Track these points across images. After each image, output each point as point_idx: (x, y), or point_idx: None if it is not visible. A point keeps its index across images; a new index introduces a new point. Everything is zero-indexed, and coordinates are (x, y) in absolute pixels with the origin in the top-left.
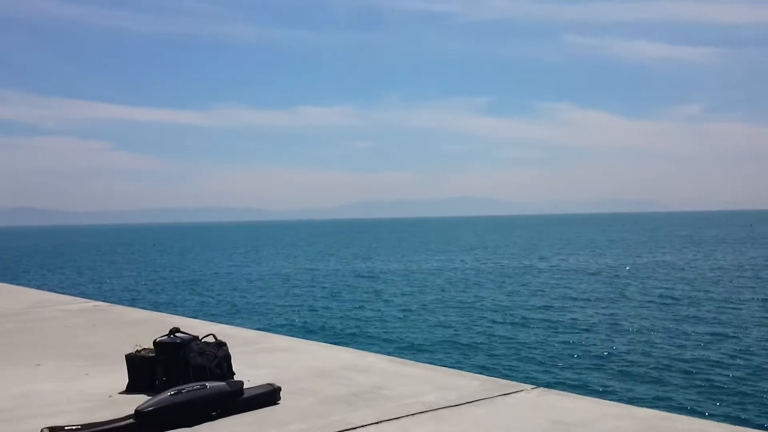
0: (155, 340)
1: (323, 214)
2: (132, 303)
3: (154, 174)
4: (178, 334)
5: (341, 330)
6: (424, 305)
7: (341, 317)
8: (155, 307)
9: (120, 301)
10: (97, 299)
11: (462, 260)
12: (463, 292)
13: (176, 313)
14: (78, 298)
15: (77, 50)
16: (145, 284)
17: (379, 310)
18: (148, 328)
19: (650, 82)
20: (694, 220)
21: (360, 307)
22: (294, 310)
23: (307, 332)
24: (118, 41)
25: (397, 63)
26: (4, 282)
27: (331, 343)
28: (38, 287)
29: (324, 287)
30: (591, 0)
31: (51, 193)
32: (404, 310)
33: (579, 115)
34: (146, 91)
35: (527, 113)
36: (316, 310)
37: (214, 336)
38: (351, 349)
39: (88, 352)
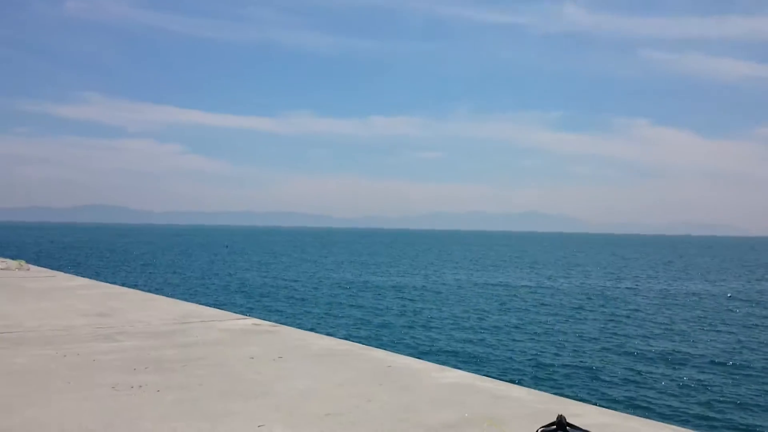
0: None
1: (390, 223)
2: (264, 315)
3: (226, 178)
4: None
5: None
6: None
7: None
8: (293, 323)
9: (246, 311)
10: (222, 308)
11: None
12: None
13: (333, 332)
14: (227, 313)
15: (160, 56)
16: (254, 291)
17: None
18: (357, 367)
19: (731, 101)
20: None
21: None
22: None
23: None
24: (197, 48)
25: (467, 74)
26: (109, 281)
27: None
28: (149, 290)
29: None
30: (671, 14)
31: (129, 193)
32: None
33: (656, 132)
34: (221, 97)
35: (601, 129)
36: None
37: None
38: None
39: (318, 409)
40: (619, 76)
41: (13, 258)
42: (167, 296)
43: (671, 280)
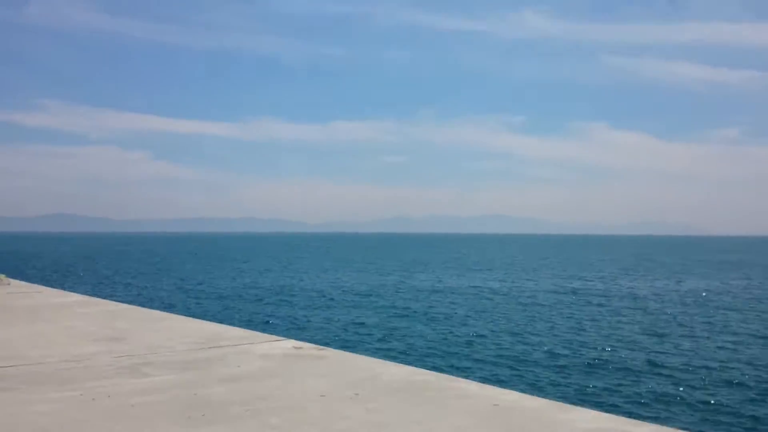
0: None
1: (358, 227)
2: (286, 332)
3: (192, 184)
4: None
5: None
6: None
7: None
8: (322, 340)
9: (265, 328)
10: (228, 323)
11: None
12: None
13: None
14: (256, 333)
15: (121, 62)
16: (257, 301)
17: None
18: (457, 407)
19: (689, 105)
20: (732, 244)
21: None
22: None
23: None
24: (161, 54)
25: (433, 80)
26: (99, 295)
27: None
28: (142, 304)
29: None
30: (629, 21)
31: (93, 201)
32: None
33: (615, 135)
34: (186, 103)
35: (562, 133)
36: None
37: None
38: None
39: None
40: (579, 80)
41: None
42: (165, 311)
43: (671, 280)
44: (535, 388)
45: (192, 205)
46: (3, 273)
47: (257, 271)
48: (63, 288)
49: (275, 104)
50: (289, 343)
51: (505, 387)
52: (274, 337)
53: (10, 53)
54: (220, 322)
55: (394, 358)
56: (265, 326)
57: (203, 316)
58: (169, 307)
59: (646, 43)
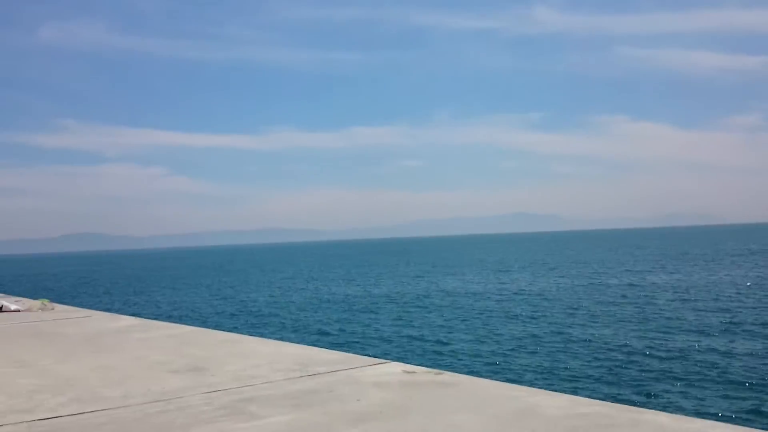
0: None
1: (382, 233)
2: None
3: (211, 198)
4: None
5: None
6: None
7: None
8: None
9: (350, 348)
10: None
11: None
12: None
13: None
14: (350, 355)
15: (137, 80)
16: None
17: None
18: None
19: (707, 93)
20: (753, 232)
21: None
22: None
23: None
24: (174, 70)
25: (446, 81)
26: (141, 315)
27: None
28: (177, 320)
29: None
30: (644, 11)
31: (112, 219)
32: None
33: (634, 128)
34: (201, 117)
35: (581, 128)
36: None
37: None
38: None
39: None
40: (596, 74)
41: (30, 297)
42: (229, 331)
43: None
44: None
45: (212, 218)
46: (45, 298)
47: (299, 281)
48: (109, 310)
49: (291, 114)
50: (396, 367)
51: (710, 417)
52: (375, 360)
53: (27, 76)
54: (292, 340)
55: (519, 381)
56: (347, 346)
57: (270, 334)
58: (230, 328)
59: (660, 33)
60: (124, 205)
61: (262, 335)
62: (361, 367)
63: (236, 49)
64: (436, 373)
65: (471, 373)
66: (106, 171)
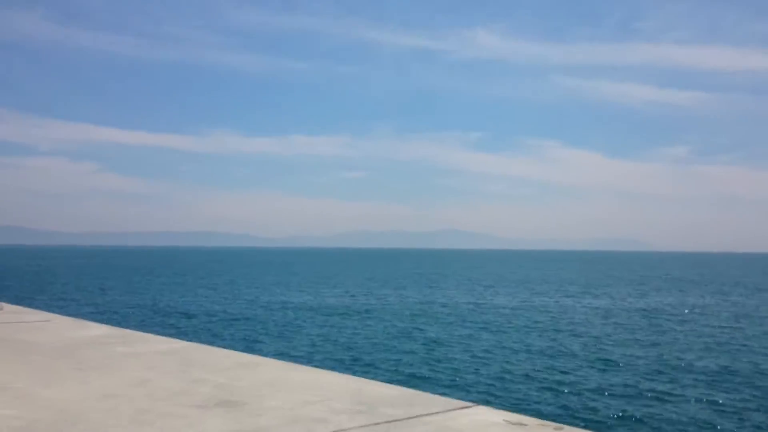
0: None
1: (316, 241)
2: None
3: (144, 197)
4: None
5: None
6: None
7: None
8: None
9: (336, 366)
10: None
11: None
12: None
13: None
14: (425, 394)
15: (73, 73)
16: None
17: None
18: None
19: (638, 124)
20: (680, 260)
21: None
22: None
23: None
24: (113, 65)
25: (389, 96)
26: (95, 319)
27: None
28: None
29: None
30: (580, 42)
31: (39, 213)
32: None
33: (567, 153)
34: (138, 115)
35: (517, 150)
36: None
37: None
38: None
39: None
40: (532, 99)
41: None
42: (227, 348)
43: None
44: None
45: (144, 218)
46: None
47: (267, 289)
48: (67, 313)
49: (230, 117)
50: (490, 414)
51: None
52: (457, 402)
53: None
54: (310, 362)
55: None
56: (388, 373)
57: (273, 353)
58: (213, 338)
59: (596, 64)
60: (53, 200)
61: (256, 351)
62: (444, 412)
63: (180, 49)
64: (555, 428)
65: (591, 423)
66: (37, 164)
